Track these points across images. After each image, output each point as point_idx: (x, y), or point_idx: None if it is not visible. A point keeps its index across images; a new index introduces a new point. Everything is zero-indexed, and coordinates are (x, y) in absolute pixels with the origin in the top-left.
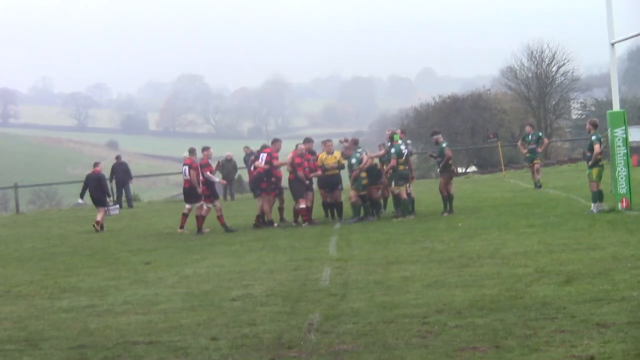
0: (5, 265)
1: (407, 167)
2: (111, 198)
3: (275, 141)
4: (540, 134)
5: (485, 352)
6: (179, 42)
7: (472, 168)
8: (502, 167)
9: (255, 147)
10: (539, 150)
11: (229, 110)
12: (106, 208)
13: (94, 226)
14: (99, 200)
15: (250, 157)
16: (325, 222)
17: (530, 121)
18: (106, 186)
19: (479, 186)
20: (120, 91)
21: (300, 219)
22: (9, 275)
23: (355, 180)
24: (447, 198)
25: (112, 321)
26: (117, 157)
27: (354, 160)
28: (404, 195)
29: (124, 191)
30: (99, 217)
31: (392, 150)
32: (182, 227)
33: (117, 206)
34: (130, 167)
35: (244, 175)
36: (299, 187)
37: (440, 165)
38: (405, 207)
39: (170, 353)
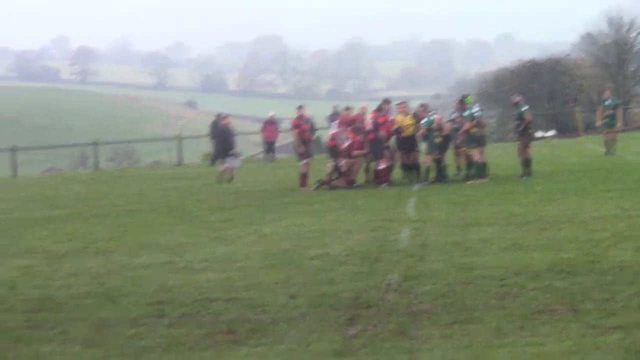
0: (84, 221)
1: (479, 130)
2: (234, 150)
3: (386, 102)
4: (619, 100)
5: (563, 314)
6: (257, 2)
7: (551, 132)
8: (581, 131)
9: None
10: (619, 122)
11: (308, 71)
12: (227, 160)
13: (217, 178)
14: (223, 153)
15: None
16: (403, 183)
17: (609, 86)
18: (230, 139)
19: (557, 151)
20: (199, 51)
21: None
22: (88, 232)
23: (425, 141)
24: (525, 162)
25: (191, 278)
26: (218, 115)
27: (424, 122)
28: (476, 158)
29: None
30: (222, 169)
31: (465, 112)
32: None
33: (239, 158)
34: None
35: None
36: (379, 148)
37: (519, 129)
38: (478, 169)
39: (248, 310)
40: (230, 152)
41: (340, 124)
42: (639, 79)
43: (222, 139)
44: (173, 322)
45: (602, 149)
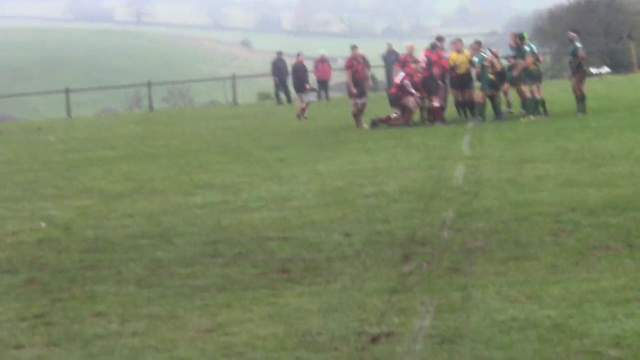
0: (138, 161)
1: (537, 67)
2: (309, 85)
3: (440, 39)
4: None
5: (618, 251)
6: None
7: (605, 69)
8: (635, 67)
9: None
10: None
11: (363, 9)
12: (302, 94)
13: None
14: (298, 88)
15: (391, 55)
16: (458, 121)
17: None
18: (304, 75)
19: (612, 87)
20: None
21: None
22: (143, 172)
23: (480, 79)
24: (580, 98)
25: (246, 217)
26: (279, 53)
27: (476, 59)
28: (528, 94)
29: (282, 88)
30: (300, 105)
31: (526, 48)
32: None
33: (315, 93)
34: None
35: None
36: (433, 85)
37: (573, 65)
38: (531, 106)
39: (303, 248)
40: (307, 88)
41: (404, 68)
42: None
43: (297, 75)
44: (228, 261)
45: None
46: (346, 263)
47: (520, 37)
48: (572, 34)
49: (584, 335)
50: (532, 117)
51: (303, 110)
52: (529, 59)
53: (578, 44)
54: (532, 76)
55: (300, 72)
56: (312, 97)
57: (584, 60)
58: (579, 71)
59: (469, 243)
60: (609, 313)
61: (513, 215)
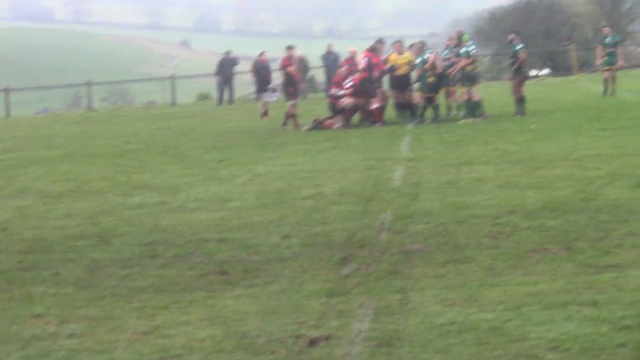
0: (78, 161)
1: (475, 68)
2: (271, 85)
3: (380, 42)
4: (619, 37)
5: (556, 253)
6: None
7: (545, 71)
8: (575, 70)
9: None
10: (620, 60)
11: (302, 10)
12: (264, 95)
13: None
14: (260, 88)
15: (330, 56)
16: (397, 122)
17: (608, 23)
18: (267, 74)
19: (552, 89)
20: None
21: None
22: (82, 172)
23: (420, 81)
24: (519, 100)
25: (184, 218)
26: (227, 52)
27: (418, 60)
28: (465, 97)
29: (227, 87)
30: (260, 104)
31: (462, 50)
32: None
33: (276, 93)
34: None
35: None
36: (371, 87)
37: (514, 67)
38: (469, 108)
39: (241, 250)
40: (268, 87)
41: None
42: (633, 17)
43: (260, 74)
44: (166, 262)
45: (599, 88)
46: (284, 265)
47: (459, 39)
48: (513, 36)
49: (522, 338)
50: (470, 120)
51: (266, 111)
52: (464, 61)
53: (518, 46)
54: (469, 78)
55: (262, 71)
56: (273, 97)
57: (524, 62)
58: (518, 73)
59: (408, 245)
60: (547, 316)
61: (452, 218)
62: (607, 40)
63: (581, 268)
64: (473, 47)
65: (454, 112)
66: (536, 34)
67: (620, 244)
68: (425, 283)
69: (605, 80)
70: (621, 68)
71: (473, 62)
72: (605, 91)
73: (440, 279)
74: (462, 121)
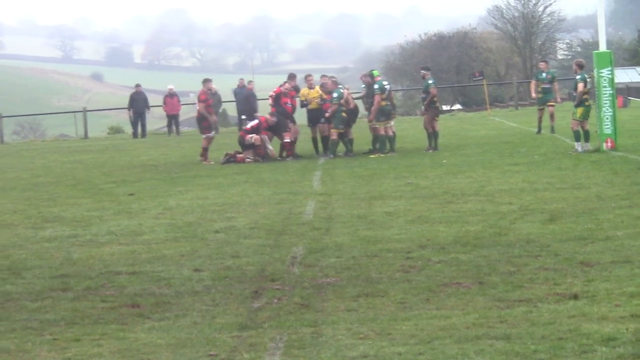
0: None
1: (388, 104)
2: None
3: (291, 77)
4: (554, 72)
5: (468, 287)
6: None
7: (457, 106)
8: (487, 105)
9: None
10: (557, 97)
11: (215, 44)
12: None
13: None
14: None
15: (242, 91)
16: (310, 156)
17: (542, 58)
18: (255, 103)
19: (464, 124)
20: (105, 24)
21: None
22: None
23: (333, 116)
24: (432, 135)
25: (96, 251)
26: (137, 86)
27: (335, 95)
28: (382, 132)
29: (139, 121)
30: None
31: (375, 86)
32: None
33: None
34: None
35: (228, 109)
36: (283, 121)
37: (425, 102)
38: (382, 143)
39: (153, 283)
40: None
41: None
42: (545, 53)
43: (249, 102)
44: (77, 295)
45: (512, 123)
46: (196, 298)
47: (369, 75)
48: (424, 72)
49: None
50: (383, 154)
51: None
52: (377, 97)
53: (430, 81)
54: (383, 113)
55: (251, 100)
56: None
57: (435, 97)
58: (431, 108)
59: (320, 279)
60: (459, 350)
61: (364, 252)
62: (543, 75)
63: (493, 302)
64: (386, 82)
65: (367, 146)
66: (448, 69)
67: (532, 278)
68: (337, 317)
69: (540, 117)
70: (559, 103)
71: (387, 97)
72: (539, 130)
73: (352, 313)
74: (374, 155)
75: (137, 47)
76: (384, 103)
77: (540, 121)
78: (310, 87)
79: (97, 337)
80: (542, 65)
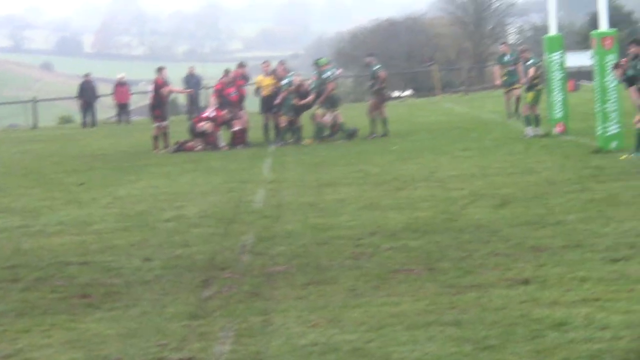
0: None
1: (336, 92)
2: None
3: (241, 65)
4: (517, 54)
5: (419, 274)
6: None
7: (408, 92)
8: (438, 90)
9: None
10: (521, 78)
11: (165, 32)
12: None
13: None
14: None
15: (192, 79)
16: (260, 144)
17: (503, 41)
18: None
19: (415, 110)
20: (55, 13)
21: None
22: None
23: (283, 103)
24: (380, 122)
25: (45, 241)
26: (86, 75)
27: (284, 82)
28: (326, 119)
29: (89, 110)
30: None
31: (325, 74)
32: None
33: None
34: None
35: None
36: (233, 112)
37: (374, 88)
38: (320, 130)
39: (103, 273)
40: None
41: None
42: (496, 37)
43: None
44: (27, 286)
45: (462, 109)
46: (146, 288)
47: (317, 64)
48: (370, 59)
49: (385, 359)
50: (339, 141)
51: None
52: (330, 85)
53: (376, 67)
54: (331, 101)
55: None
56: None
57: (384, 82)
58: (379, 94)
59: (270, 267)
60: (409, 336)
61: (314, 239)
62: (506, 58)
63: (444, 288)
64: (334, 70)
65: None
66: (398, 55)
67: (482, 263)
68: (287, 305)
69: (508, 102)
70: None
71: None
72: (509, 114)
73: (302, 301)
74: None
75: (87, 36)
76: (332, 91)
77: (508, 106)
78: (267, 74)
79: (47, 328)
80: (503, 47)
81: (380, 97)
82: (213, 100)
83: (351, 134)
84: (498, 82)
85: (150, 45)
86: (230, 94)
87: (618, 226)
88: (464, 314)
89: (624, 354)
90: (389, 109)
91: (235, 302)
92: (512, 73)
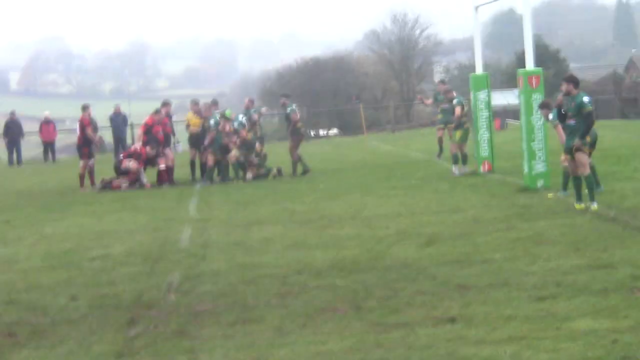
0: None
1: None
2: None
3: (165, 104)
4: (457, 97)
5: (345, 312)
6: (40, 2)
7: (334, 130)
8: (364, 129)
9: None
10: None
11: (91, 70)
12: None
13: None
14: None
15: (118, 117)
16: (186, 182)
17: (442, 80)
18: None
19: (341, 148)
20: None
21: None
22: None
23: (212, 143)
24: (295, 161)
25: None
26: (12, 114)
27: (212, 122)
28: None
29: (15, 148)
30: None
31: (235, 124)
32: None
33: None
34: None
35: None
36: (157, 150)
37: (289, 129)
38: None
39: (29, 312)
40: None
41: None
42: (422, 76)
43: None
44: None
45: (388, 147)
46: (72, 327)
47: (222, 116)
48: (283, 99)
49: None
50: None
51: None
52: (243, 132)
53: (289, 108)
54: (247, 145)
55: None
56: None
57: (297, 123)
58: (294, 135)
59: (196, 306)
60: None
61: (240, 278)
62: (441, 96)
63: (370, 327)
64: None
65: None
66: (324, 94)
67: (409, 302)
68: (213, 343)
69: (440, 139)
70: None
71: (250, 129)
72: (440, 152)
73: (228, 339)
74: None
75: (13, 74)
76: (249, 136)
77: (440, 142)
78: (194, 112)
79: None
80: (440, 86)
81: (297, 137)
82: (140, 134)
83: (269, 173)
84: (363, 122)
85: (76, 83)
86: (158, 132)
87: (544, 264)
88: (390, 352)
89: None
90: (315, 147)
91: (162, 340)
92: (445, 111)
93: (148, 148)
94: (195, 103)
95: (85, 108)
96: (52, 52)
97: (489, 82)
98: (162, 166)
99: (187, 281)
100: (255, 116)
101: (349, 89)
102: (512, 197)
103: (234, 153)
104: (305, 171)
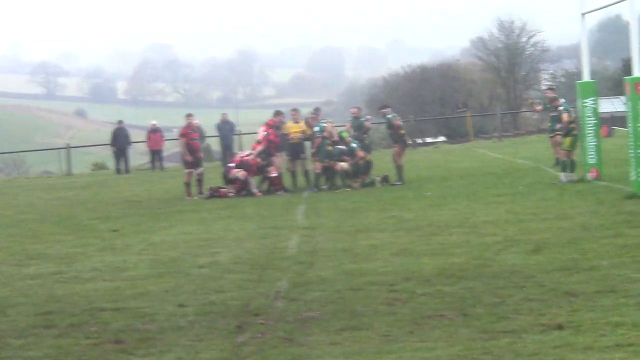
0: None
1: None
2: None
3: (278, 113)
4: (563, 104)
5: (452, 319)
6: (147, 11)
7: (441, 138)
8: (471, 136)
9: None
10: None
11: (198, 79)
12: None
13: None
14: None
15: (226, 125)
16: (294, 190)
17: (549, 86)
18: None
19: (448, 156)
20: (89, 60)
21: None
22: None
23: (318, 150)
24: (399, 168)
25: (79, 288)
26: (119, 122)
27: (317, 129)
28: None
29: (122, 157)
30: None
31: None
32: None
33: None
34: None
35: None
36: (267, 159)
37: (393, 136)
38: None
39: (137, 319)
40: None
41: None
42: (529, 83)
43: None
44: (61, 332)
45: (495, 154)
46: (180, 334)
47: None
48: (384, 110)
49: None
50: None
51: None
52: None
53: (390, 115)
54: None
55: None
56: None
57: (400, 128)
58: (399, 141)
59: (304, 313)
60: None
61: (348, 285)
62: (548, 105)
63: (477, 334)
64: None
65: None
66: (431, 101)
67: (516, 309)
68: (321, 350)
69: (554, 147)
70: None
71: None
72: (557, 161)
73: (336, 346)
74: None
75: (120, 83)
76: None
77: (555, 150)
78: (295, 122)
79: None
80: (549, 93)
81: (401, 144)
82: (261, 137)
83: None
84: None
85: (183, 91)
86: (272, 141)
87: None
88: (497, 359)
89: None
90: (421, 155)
91: (269, 347)
92: (555, 119)
93: (258, 159)
94: (295, 111)
95: (187, 117)
96: (160, 61)
97: (596, 89)
98: (273, 174)
99: (295, 288)
100: (367, 124)
101: (456, 96)
102: (619, 204)
103: (344, 165)
104: (399, 182)
